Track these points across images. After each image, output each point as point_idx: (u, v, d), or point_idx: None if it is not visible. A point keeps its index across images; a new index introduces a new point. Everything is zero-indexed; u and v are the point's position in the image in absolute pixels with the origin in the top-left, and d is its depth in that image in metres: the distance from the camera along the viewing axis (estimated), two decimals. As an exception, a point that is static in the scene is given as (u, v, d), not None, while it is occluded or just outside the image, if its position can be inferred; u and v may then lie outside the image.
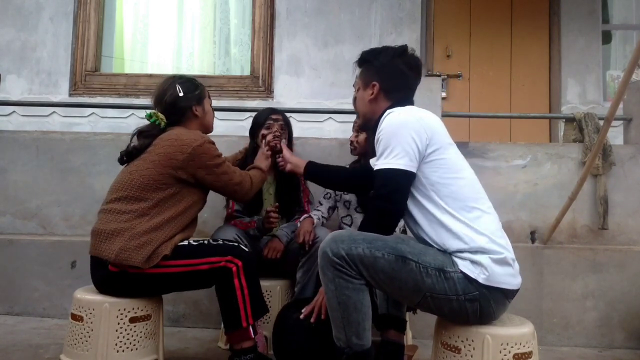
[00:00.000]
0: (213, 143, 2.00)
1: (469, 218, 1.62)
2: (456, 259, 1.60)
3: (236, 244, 1.92)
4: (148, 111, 2.08)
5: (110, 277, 1.85)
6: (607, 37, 4.76)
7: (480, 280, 1.56)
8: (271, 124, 2.48)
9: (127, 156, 2.01)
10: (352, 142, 2.53)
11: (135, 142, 2.03)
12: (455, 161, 1.70)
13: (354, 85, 1.96)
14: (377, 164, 1.68)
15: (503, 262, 1.60)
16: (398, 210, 1.66)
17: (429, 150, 1.65)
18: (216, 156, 1.98)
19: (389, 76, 1.83)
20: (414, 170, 1.63)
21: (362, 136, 2.46)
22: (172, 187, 1.91)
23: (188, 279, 1.87)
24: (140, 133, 2.04)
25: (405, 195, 1.65)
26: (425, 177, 1.65)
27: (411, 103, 1.83)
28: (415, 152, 1.63)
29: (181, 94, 2.05)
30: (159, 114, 2.05)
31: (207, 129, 2.16)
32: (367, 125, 1.94)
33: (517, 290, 1.66)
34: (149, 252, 1.80)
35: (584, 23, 4.51)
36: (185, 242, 1.92)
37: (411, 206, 1.69)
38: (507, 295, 1.63)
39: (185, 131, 1.99)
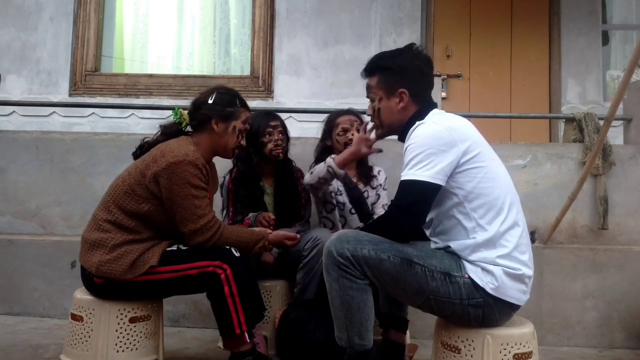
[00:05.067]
0: (199, 169, 1.81)
1: (496, 230, 1.57)
2: (466, 263, 1.59)
3: (227, 248, 1.84)
4: (177, 107, 2.01)
5: (97, 287, 1.84)
6: (607, 37, 4.76)
7: (488, 290, 1.55)
8: (271, 132, 2.41)
9: (140, 150, 1.98)
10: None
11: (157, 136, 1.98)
12: (491, 168, 1.62)
13: (369, 97, 1.81)
14: (402, 174, 1.60)
15: (517, 278, 1.57)
16: (415, 223, 1.61)
17: (464, 159, 1.58)
18: (189, 184, 1.79)
19: (415, 80, 1.73)
20: (440, 182, 1.55)
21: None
22: (149, 201, 1.82)
23: (177, 285, 1.83)
24: (161, 128, 2.00)
25: (426, 208, 1.58)
26: (459, 187, 1.59)
27: (434, 104, 1.77)
28: (444, 164, 1.55)
29: (209, 102, 1.93)
30: (185, 113, 1.97)
31: (222, 151, 1.98)
32: (391, 134, 1.82)
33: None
34: (129, 262, 1.77)
35: (584, 23, 4.51)
36: (174, 247, 1.88)
37: (436, 214, 1.66)
38: (513, 307, 1.61)
39: (177, 144, 1.85)
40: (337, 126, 2.46)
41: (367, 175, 2.53)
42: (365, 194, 2.46)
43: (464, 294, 1.56)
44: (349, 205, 2.43)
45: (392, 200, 1.64)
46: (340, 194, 2.44)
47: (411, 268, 1.57)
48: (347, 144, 2.37)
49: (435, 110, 1.74)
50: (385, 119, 1.77)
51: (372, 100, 1.80)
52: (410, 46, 1.78)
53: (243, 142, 2.01)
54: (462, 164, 1.58)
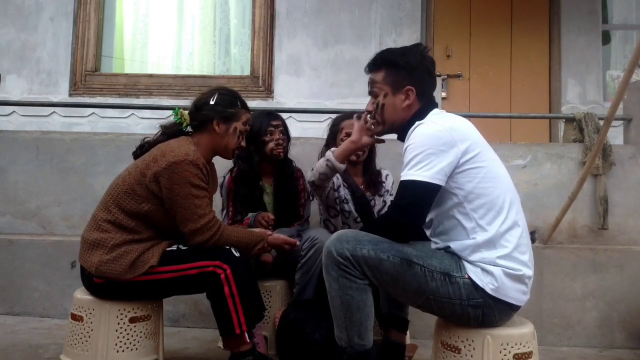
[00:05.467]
0: (199, 169, 1.82)
1: (496, 231, 1.56)
2: (466, 264, 1.59)
3: (227, 248, 1.85)
4: (177, 107, 2.02)
5: (97, 287, 1.84)
6: (607, 37, 4.76)
7: (488, 290, 1.54)
8: (273, 131, 2.41)
9: (140, 149, 1.98)
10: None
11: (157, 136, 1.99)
12: (491, 168, 1.62)
13: (372, 92, 1.77)
14: (402, 174, 1.59)
15: (517, 278, 1.56)
16: (414, 223, 1.60)
17: (464, 159, 1.57)
18: (189, 183, 1.79)
19: (422, 79, 1.72)
20: (440, 183, 1.55)
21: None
22: (149, 200, 1.82)
23: (177, 285, 1.83)
24: (161, 128, 2.00)
25: (425, 208, 1.57)
26: (459, 187, 1.58)
27: (436, 104, 1.77)
28: (443, 164, 1.54)
29: (211, 102, 1.93)
30: (185, 113, 1.98)
31: (222, 152, 1.98)
32: (391, 132, 1.79)
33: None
34: (129, 262, 1.78)
35: (584, 23, 4.51)
36: (174, 247, 1.88)
37: (436, 215, 1.65)
38: (512, 308, 1.61)
39: (178, 144, 1.85)
40: (341, 131, 2.41)
41: (375, 183, 2.44)
42: (372, 202, 2.41)
43: (464, 295, 1.56)
44: (354, 214, 2.39)
45: (391, 201, 1.64)
46: (347, 202, 2.39)
47: (411, 268, 1.56)
48: None
49: (435, 110, 1.74)
50: (389, 115, 1.74)
51: (375, 96, 1.77)
52: (417, 45, 1.77)
53: (243, 143, 2.02)
54: (462, 164, 1.58)
